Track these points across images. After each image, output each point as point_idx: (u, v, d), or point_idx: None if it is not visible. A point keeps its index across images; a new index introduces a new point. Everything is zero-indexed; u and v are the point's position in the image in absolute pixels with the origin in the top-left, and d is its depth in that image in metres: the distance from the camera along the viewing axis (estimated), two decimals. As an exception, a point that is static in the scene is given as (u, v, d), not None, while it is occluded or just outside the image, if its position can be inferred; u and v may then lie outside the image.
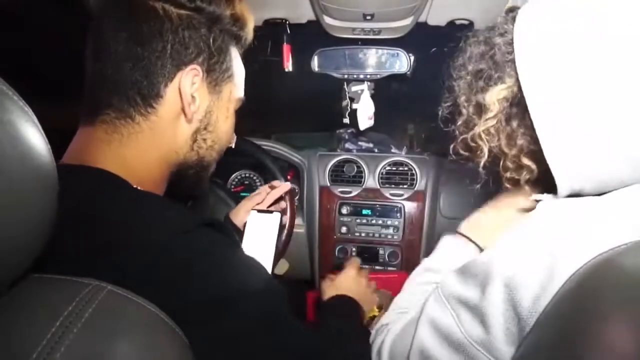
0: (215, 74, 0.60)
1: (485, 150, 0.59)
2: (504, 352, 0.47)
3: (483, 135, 0.59)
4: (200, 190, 0.70)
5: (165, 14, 0.55)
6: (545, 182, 0.56)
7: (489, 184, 0.64)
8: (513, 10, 0.57)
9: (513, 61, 0.53)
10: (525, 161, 0.57)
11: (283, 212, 1.01)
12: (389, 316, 0.69)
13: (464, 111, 0.63)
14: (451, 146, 0.67)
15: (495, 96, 0.56)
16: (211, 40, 0.58)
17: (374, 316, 0.94)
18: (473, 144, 0.63)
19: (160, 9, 0.55)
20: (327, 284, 0.91)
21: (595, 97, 0.47)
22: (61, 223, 0.42)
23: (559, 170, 0.50)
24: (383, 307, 0.98)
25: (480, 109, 0.60)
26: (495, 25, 0.58)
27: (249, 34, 0.65)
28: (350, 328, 0.75)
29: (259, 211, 0.96)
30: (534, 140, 0.53)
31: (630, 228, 0.44)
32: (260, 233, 0.92)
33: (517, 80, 0.53)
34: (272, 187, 1.05)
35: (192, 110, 0.58)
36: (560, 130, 0.49)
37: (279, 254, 1.11)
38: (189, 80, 0.57)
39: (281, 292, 0.56)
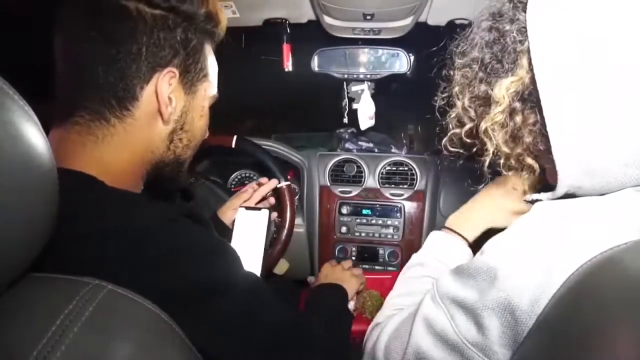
0: (191, 74, 0.60)
1: (491, 147, 0.56)
2: (499, 354, 0.47)
3: (490, 132, 0.56)
4: (178, 186, 0.71)
5: (139, 14, 0.54)
6: (538, 181, 0.56)
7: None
8: None
9: (526, 51, 0.50)
10: (529, 161, 0.55)
11: (272, 208, 1.02)
12: (381, 316, 0.68)
13: (459, 103, 0.60)
14: (443, 141, 0.64)
15: (505, 89, 0.52)
16: (187, 42, 0.58)
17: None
18: (469, 140, 0.60)
19: (134, 9, 0.54)
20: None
21: (618, 89, 0.44)
22: None
23: (565, 167, 0.48)
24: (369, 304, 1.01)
25: (481, 101, 0.57)
26: (502, 11, 0.54)
27: (222, 29, 0.65)
28: (332, 304, 0.80)
29: (247, 208, 0.96)
30: (542, 137, 0.51)
31: (629, 227, 0.43)
32: (249, 230, 0.92)
33: (530, 71, 0.49)
34: (260, 185, 1.05)
35: (169, 111, 0.58)
36: (575, 125, 0.46)
37: (278, 252, 1.11)
38: (165, 83, 0.57)
39: (257, 276, 0.60)
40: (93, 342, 0.34)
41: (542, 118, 0.48)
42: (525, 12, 0.50)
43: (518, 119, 0.53)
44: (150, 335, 0.38)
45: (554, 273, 0.43)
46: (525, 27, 0.50)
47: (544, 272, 0.44)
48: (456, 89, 0.60)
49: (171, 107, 0.58)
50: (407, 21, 1.04)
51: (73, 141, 0.55)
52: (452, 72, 0.61)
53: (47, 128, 0.35)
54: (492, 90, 0.54)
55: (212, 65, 0.65)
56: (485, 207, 0.73)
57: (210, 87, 0.66)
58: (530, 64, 0.49)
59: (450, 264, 0.70)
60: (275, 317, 0.56)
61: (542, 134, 0.50)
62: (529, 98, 0.52)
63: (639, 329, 0.33)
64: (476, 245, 0.73)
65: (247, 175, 1.47)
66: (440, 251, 0.73)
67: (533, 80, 0.49)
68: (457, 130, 0.62)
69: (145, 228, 0.48)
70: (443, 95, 0.64)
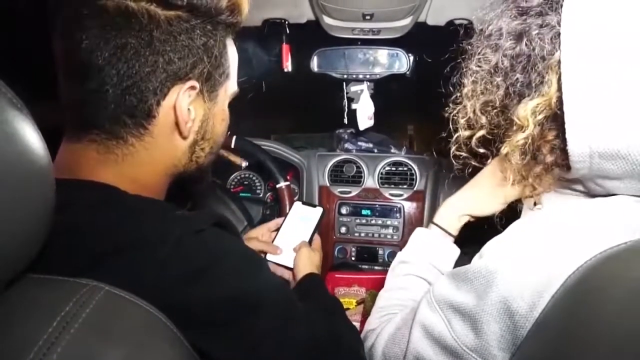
0: (212, 81, 0.54)
1: (512, 175, 0.53)
2: (498, 357, 0.47)
3: (510, 155, 0.51)
4: (200, 187, 0.69)
5: (152, 18, 0.47)
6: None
7: None
8: None
9: (556, 65, 0.43)
10: (548, 179, 0.52)
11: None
12: (374, 321, 0.67)
13: (469, 104, 0.55)
14: (452, 148, 0.60)
15: (530, 112, 0.46)
16: (208, 45, 0.51)
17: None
18: (481, 150, 0.57)
19: (145, 12, 0.46)
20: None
21: None
22: (70, 236, 0.43)
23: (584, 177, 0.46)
24: (364, 303, 1.01)
25: (497, 110, 0.53)
26: (532, 6, 0.46)
27: (244, 17, 0.56)
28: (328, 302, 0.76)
29: (304, 203, 1.01)
30: (562, 151, 0.47)
31: (627, 229, 0.43)
32: (299, 223, 0.96)
33: (559, 90, 0.44)
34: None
35: (189, 126, 0.53)
36: (598, 146, 0.42)
37: None
38: (186, 98, 0.51)
39: (285, 284, 0.57)
40: (91, 344, 0.34)
41: (563, 134, 0.44)
42: (559, 12, 0.43)
43: (538, 138, 0.49)
44: (148, 337, 0.38)
45: (553, 275, 0.42)
46: (558, 34, 0.43)
47: (542, 274, 0.43)
48: (468, 88, 0.55)
49: (190, 122, 0.53)
50: (407, 21, 1.04)
51: (93, 158, 0.51)
52: (465, 76, 0.56)
53: (42, 127, 0.34)
54: (515, 110, 0.48)
55: (232, 60, 0.58)
56: (458, 199, 0.72)
57: (230, 85, 0.59)
58: (559, 81, 0.43)
59: (436, 263, 0.70)
60: (310, 330, 0.54)
61: (562, 149, 0.47)
62: (554, 119, 0.47)
63: (638, 328, 0.33)
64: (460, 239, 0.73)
65: (246, 175, 1.46)
66: (422, 246, 0.72)
67: (560, 100, 0.43)
68: (467, 133, 0.57)
69: (176, 238, 0.46)
70: (457, 107, 0.58)
